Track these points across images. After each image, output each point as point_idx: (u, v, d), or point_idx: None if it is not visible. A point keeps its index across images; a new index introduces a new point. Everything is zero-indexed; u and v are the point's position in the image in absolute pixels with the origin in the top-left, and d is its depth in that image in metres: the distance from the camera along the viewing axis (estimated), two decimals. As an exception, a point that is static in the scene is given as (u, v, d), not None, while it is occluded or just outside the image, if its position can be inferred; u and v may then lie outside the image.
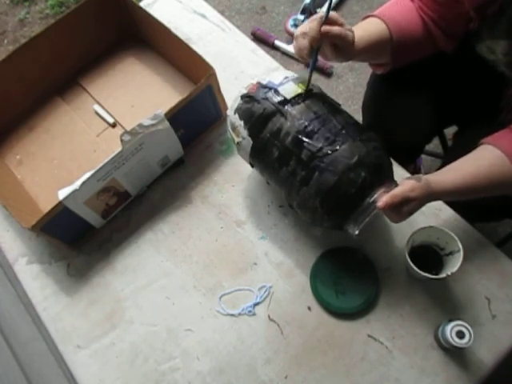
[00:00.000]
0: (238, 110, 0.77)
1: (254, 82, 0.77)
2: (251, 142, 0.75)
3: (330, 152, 0.68)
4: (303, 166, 0.70)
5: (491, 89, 0.81)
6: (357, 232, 0.69)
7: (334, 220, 0.72)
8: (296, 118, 0.71)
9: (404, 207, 0.66)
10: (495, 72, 0.78)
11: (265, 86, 0.75)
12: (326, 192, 0.68)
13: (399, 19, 0.77)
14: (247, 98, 0.76)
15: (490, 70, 0.79)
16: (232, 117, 0.78)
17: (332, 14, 0.67)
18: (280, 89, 0.74)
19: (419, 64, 0.83)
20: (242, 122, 0.76)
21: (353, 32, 0.69)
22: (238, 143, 0.79)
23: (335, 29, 0.66)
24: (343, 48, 0.69)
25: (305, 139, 0.70)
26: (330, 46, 0.68)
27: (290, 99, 0.73)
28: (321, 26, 0.65)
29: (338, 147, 0.68)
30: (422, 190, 0.65)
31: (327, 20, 0.66)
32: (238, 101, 0.77)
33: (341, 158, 0.68)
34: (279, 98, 0.73)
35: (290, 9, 1.88)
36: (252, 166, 0.82)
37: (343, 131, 0.70)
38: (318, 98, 0.74)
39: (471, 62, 0.82)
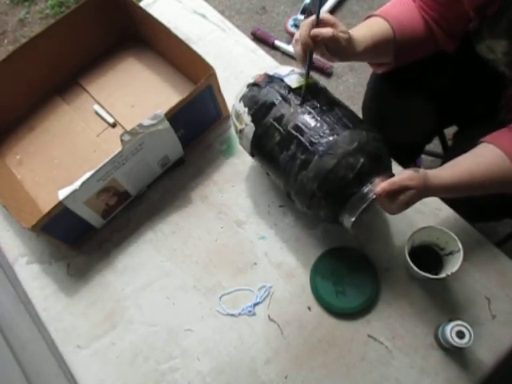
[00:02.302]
0: (243, 98, 0.78)
1: (262, 73, 0.79)
2: (254, 128, 0.76)
3: (330, 137, 0.69)
4: (303, 150, 0.71)
5: (491, 88, 0.81)
6: (353, 219, 0.69)
7: (330, 206, 0.72)
8: (299, 104, 0.73)
9: (401, 196, 0.65)
10: (495, 72, 0.78)
11: (271, 76, 0.78)
12: (324, 175, 0.69)
13: (401, 18, 0.77)
14: (253, 86, 0.78)
15: (490, 69, 0.79)
16: (237, 105, 0.80)
17: (323, 15, 0.67)
18: (286, 79, 0.76)
19: (419, 64, 0.83)
20: (246, 109, 0.77)
21: (347, 33, 0.69)
22: (240, 131, 0.80)
23: (325, 31, 0.65)
24: (336, 50, 0.69)
25: (307, 124, 0.71)
26: (323, 48, 0.68)
27: (295, 88, 0.75)
28: (311, 29, 0.66)
29: (338, 133, 0.70)
30: (419, 179, 0.65)
31: (318, 22, 0.66)
32: (244, 89, 0.79)
33: (341, 143, 0.69)
34: (284, 87, 0.75)
35: (290, 9, 1.88)
36: (252, 156, 0.83)
37: (344, 119, 0.72)
38: (321, 91, 0.77)
39: (471, 61, 0.82)
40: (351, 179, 0.69)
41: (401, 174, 0.66)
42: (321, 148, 0.69)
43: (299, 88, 0.74)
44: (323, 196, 0.71)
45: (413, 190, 0.65)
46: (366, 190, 0.68)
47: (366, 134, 0.71)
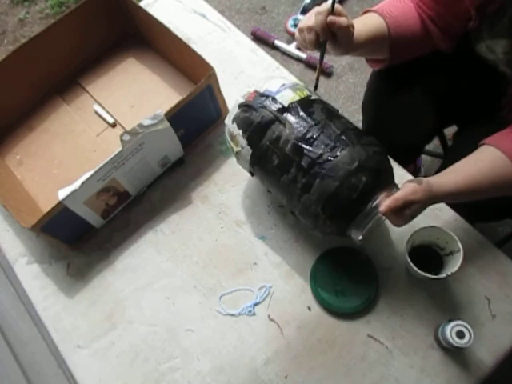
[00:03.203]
0: (236, 119, 0.76)
1: (251, 90, 0.77)
2: (250, 151, 0.75)
3: (330, 158, 0.68)
4: (304, 173, 0.69)
5: (491, 88, 0.81)
6: (360, 237, 0.69)
7: (336, 225, 0.72)
8: (295, 125, 0.71)
9: (406, 210, 0.65)
10: (495, 71, 0.78)
11: (262, 95, 0.75)
12: (327, 198, 0.68)
13: (397, 15, 0.77)
14: (245, 106, 0.75)
15: (490, 69, 0.79)
16: (230, 126, 0.78)
17: (336, 6, 0.67)
18: (277, 96, 0.74)
19: (419, 64, 0.83)
20: (240, 131, 0.75)
21: (353, 26, 0.70)
22: (237, 152, 0.78)
23: (342, 20, 0.66)
24: (342, 40, 0.69)
25: (304, 146, 0.69)
26: (331, 37, 0.68)
27: (288, 106, 0.72)
28: (327, 17, 0.65)
29: (338, 153, 0.68)
30: (424, 192, 0.65)
31: (333, 11, 0.66)
32: (236, 110, 0.77)
33: (341, 163, 0.67)
34: (277, 106, 0.73)
35: (290, 9, 1.88)
36: (252, 175, 0.82)
37: (343, 136, 0.70)
38: (316, 105, 0.74)
39: (471, 61, 0.82)
40: (355, 199, 0.67)
41: (404, 188, 0.66)
42: (321, 171, 0.68)
43: (292, 105, 0.72)
44: (328, 217, 0.70)
45: (417, 203, 0.65)
46: (371, 205, 0.67)
47: (365, 150, 0.69)
